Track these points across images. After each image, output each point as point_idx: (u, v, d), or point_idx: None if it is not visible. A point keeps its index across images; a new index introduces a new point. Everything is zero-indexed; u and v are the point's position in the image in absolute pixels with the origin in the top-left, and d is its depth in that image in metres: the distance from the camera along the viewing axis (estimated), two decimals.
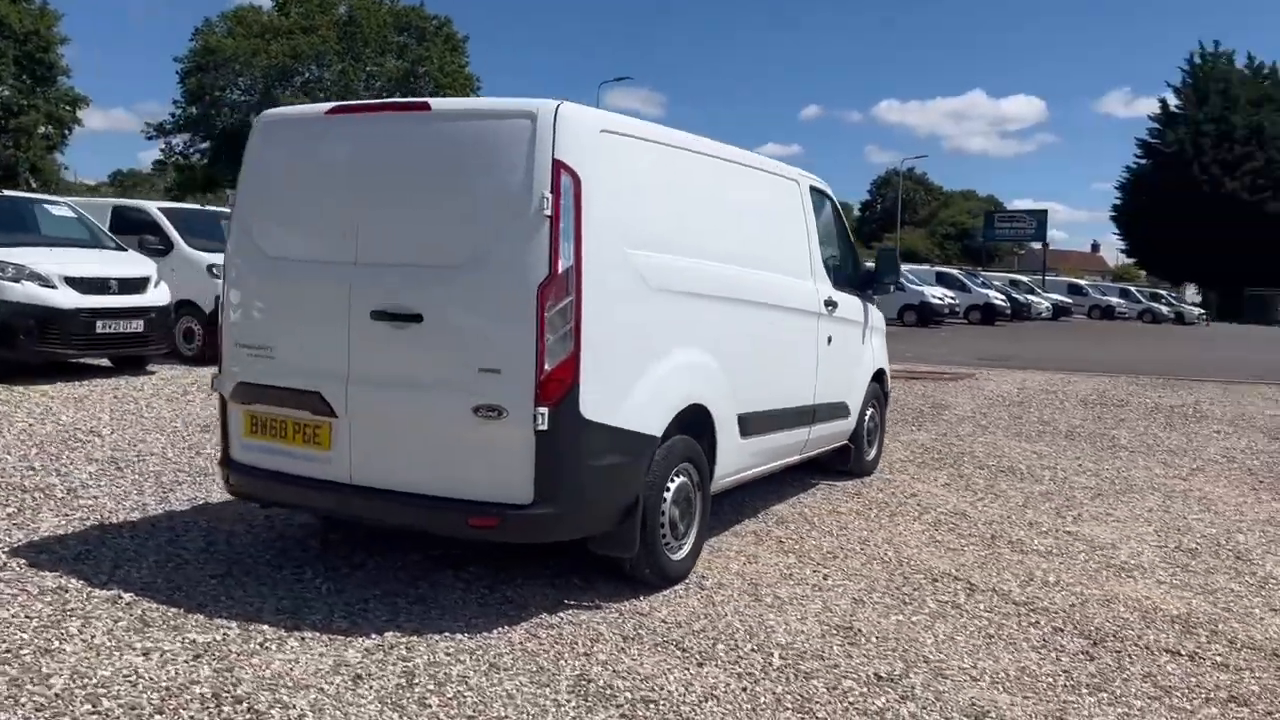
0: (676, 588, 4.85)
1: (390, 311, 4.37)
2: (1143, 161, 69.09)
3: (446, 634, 4.17)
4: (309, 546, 5.30)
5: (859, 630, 4.42)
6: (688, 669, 3.93)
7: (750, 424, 5.52)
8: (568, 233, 4.18)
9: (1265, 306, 61.94)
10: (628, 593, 4.72)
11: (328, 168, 4.68)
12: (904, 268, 31.18)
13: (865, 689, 3.82)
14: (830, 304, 6.59)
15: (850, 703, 3.71)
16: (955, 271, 37.89)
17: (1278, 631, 4.64)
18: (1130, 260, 77.14)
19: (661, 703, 3.63)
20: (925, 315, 30.47)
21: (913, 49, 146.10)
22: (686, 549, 4.97)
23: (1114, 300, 48.44)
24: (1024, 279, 43.46)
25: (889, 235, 73.88)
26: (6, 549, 5.01)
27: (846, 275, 7.11)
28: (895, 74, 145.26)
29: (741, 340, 5.45)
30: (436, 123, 4.51)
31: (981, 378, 14.70)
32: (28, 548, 5.05)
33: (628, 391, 4.51)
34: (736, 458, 5.46)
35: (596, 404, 4.31)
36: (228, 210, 15.48)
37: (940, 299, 31.37)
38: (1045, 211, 55.70)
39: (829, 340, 6.58)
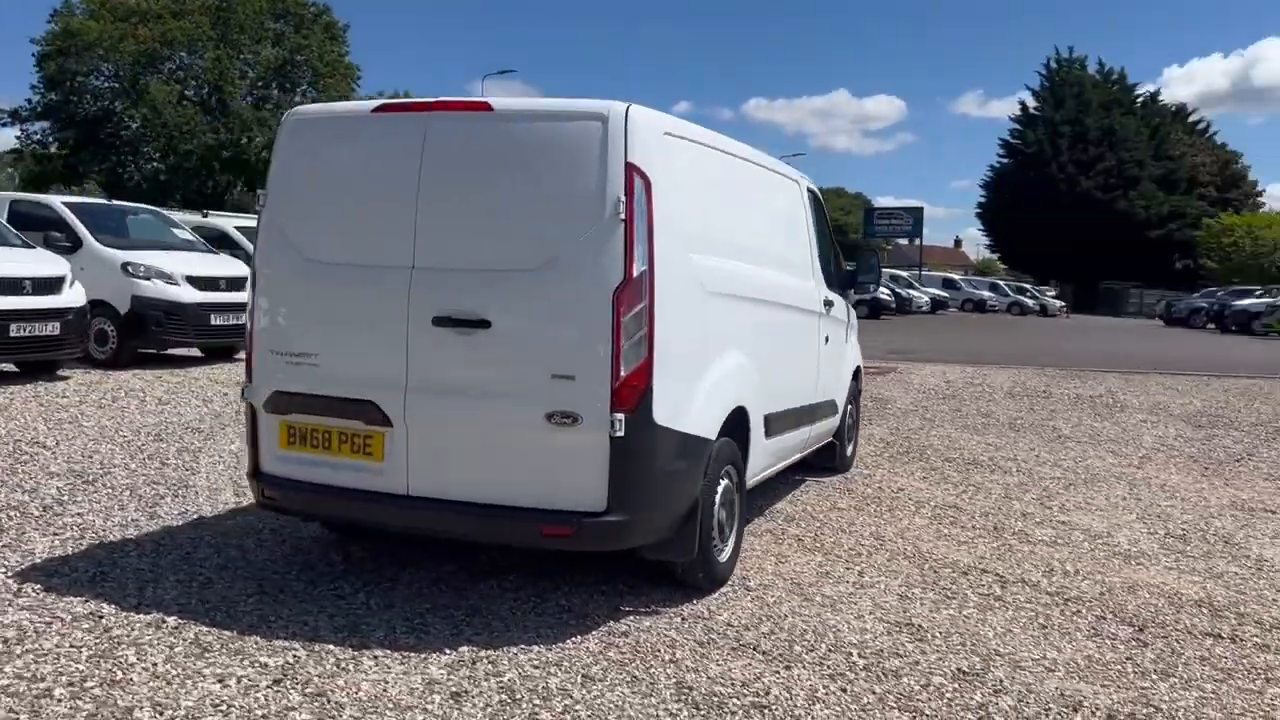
0: (724, 589, 4.86)
1: (454, 317, 4.25)
2: (1005, 161, 72.25)
3: (521, 646, 4.09)
4: (332, 561, 5.11)
5: (920, 626, 4.50)
6: (778, 672, 3.94)
7: (772, 424, 5.57)
8: (641, 237, 4.14)
9: (1117, 299, 65.57)
10: (679, 597, 4.71)
11: (376, 168, 4.51)
12: None
13: (956, 685, 3.90)
14: (828, 304, 6.69)
15: (949, 699, 3.78)
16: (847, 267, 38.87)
17: None
18: (994, 255, 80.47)
19: (774, 707, 3.63)
20: None
21: (780, 48, 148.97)
22: (729, 551, 4.98)
23: (985, 294, 50.43)
24: (903, 274, 44.84)
25: None
26: (8, 573, 4.67)
27: (831, 275, 7.23)
28: (764, 73, 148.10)
29: (769, 341, 5.50)
30: (498, 123, 4.39)
31: (904, 371, 15.12)
32: (34, 571, 4.72)
33: (691, 396, 4.49)
34: (762, 458, 5.50)
35: (666, 409, 4.28)
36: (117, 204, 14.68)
37: None
38: (921, 209, 57.71)
39: (826, 340, 6.69)
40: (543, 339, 4.20)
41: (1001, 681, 3.94)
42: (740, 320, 5.08)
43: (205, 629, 4.12)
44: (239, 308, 11.54)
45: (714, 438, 4.65)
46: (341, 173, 4.58)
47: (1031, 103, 72.20)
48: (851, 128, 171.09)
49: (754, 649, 4.17)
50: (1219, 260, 65.32)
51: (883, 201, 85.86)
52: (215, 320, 12.18)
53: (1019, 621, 4.62)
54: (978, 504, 6.88)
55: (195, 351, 12.96)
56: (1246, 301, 36.36)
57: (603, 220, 4.11)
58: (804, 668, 4.00)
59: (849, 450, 7.80)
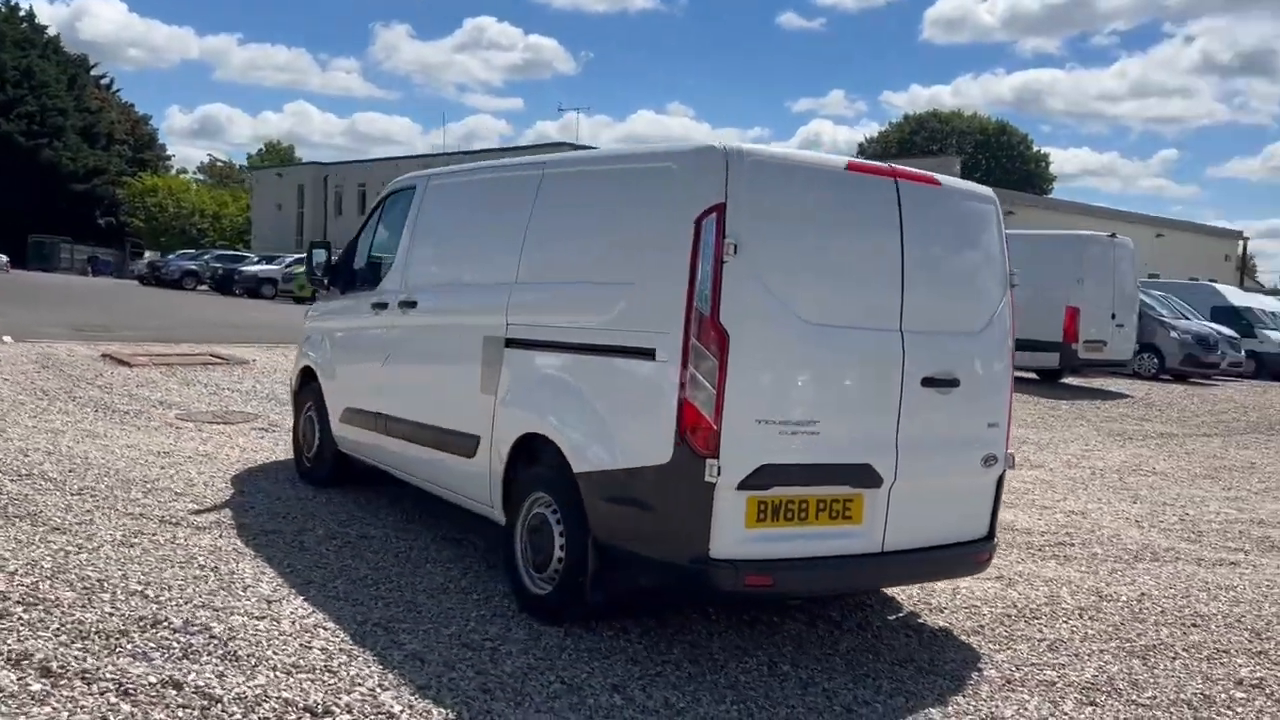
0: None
1: (939, 378, 4.69)
2: None
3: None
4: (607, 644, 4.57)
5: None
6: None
7: None
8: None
9: (48, 254, 61.99)
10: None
11: (854, 229, 4.64)
12: None
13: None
14: None
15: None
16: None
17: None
18: None
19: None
20: None
21: None
22: None
23: None
24: None
25: None
26: None
27: None
28: None
29: None
30: (945, 197, 4.90)
31: (253, 359, 13.36)
32: None
33: None
34: None
35: None
36: None
37: None
38: None
39: None
40: (983, 392, 4.93)
41: None
42: None
43: None
44: None
45: None
46: (818, 229, 4.55)
47: None
48: None
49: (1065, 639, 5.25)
50: (145, 219, 66.82)
51: None
52: None
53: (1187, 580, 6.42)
54: None
55: None
56: (256, 268, 38.37)
57: (1007, 289, 5.07)
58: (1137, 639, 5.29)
59: None
